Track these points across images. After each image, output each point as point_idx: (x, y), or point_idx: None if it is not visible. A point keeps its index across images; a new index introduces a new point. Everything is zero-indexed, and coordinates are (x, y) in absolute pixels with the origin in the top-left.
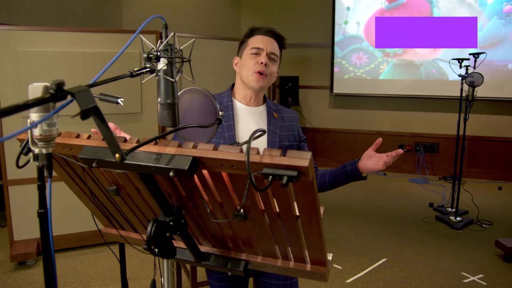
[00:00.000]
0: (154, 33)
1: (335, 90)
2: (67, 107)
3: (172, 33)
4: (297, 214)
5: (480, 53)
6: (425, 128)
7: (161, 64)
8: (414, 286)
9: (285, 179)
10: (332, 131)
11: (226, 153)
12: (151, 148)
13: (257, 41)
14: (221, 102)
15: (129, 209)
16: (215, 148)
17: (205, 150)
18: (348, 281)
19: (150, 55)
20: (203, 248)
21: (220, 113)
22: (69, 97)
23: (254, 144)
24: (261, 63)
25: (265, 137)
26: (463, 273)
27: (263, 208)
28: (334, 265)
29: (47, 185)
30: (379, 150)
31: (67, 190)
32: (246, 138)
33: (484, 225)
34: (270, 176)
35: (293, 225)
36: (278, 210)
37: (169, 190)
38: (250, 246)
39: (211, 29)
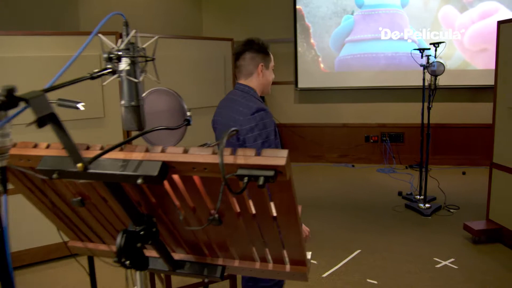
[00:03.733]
0: (113, 34)
1: (300, 85)
2: (22, 114)
3: (134, 31)
4: (275, 214)
5: (440, 42)
6: (390, 119)
7: (123, 65)
8: (390, 275)
9: (261, 180)
10: (299, 126)
11: (198, 155)
12: (116, 154)
13: (272, 59)
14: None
15: (96, 221)
16: (186, 151)
17: (175, 154)
18: (325, 275)
19: (111, 55)
20: (177, 256)
21: (188, 113)
22: (22, 104)
23: None
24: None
25: None
26: (435, 259)
27: (239, 210)
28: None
29: (2, 201)
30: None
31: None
32: None
33: (451, 210)
34: (246, 178)
35: (271, 226)
36: (254, 212)
37: (138, 198)
38: (226, 250)
39: (172, 28)
